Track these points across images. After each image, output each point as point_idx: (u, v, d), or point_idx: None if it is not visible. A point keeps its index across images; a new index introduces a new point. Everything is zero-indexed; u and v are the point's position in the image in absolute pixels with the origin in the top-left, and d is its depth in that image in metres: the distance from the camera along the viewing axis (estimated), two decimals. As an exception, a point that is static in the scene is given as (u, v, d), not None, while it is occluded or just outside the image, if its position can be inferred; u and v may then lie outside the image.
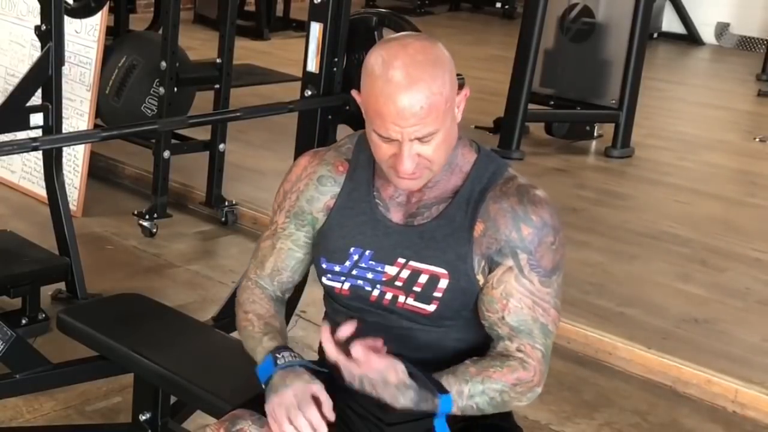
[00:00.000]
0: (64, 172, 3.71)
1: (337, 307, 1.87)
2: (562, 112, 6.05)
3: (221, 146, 4.48)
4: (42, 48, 3.40)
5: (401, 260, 1.77)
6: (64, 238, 3.56)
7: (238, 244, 4.35)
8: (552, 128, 6.06)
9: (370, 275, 1.79)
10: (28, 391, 2.81)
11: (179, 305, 3.28)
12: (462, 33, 9.61)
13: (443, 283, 1.74)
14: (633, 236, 4.57)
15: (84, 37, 4.45)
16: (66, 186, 3.65)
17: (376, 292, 1.79)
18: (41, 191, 4.11)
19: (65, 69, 3.68)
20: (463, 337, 1.82)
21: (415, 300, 1.76)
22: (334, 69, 3.07)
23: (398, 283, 1.77)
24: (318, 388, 1.71)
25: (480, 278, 1.75)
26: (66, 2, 3.66)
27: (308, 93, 3.08)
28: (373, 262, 1.79)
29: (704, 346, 3.51)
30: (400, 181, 1.73)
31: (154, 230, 4.32)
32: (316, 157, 1.90)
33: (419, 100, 1.64)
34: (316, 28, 3.04)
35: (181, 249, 4.26)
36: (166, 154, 4.31)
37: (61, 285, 3.57)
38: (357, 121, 3.14)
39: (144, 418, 2.46)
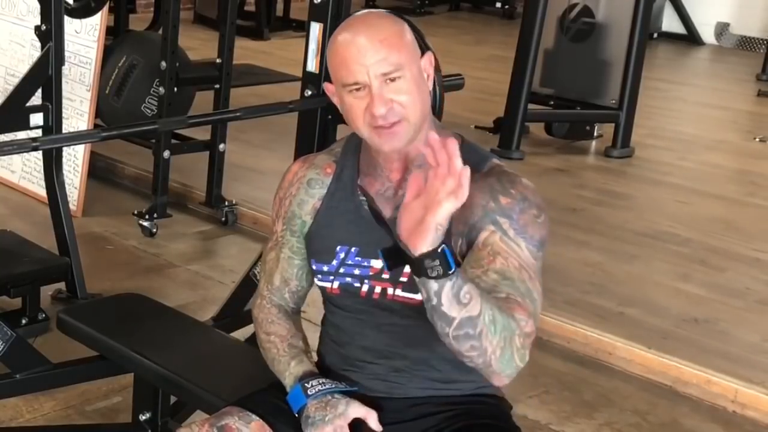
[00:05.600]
0: (64, 172, 3.71)
1: (332, 309, 1.89)
2: (562, 112, 6.05)
3: (221, 146, 4.48)
4: (42, 48, 3.40)
5: None
6: (64, 238, 3.56)
7: (238, 244, 4.35)
8: (552, 128, 6.06)
9: (357, 271, 1.81)
10: (28, 391, 2.81)
11: (179, 305, 3.28)
12: (462, 33, 9.62)
13: None
14: (633, 236, 4.57)
15: (84, 37, 4.45)
16: (66, 186, 3.65)
17: (365, 288, 1.81)
18: (41, 191, 4.11)
19: (65, 69, 3.68)
20: None
21: (402, 290, 1.77)
22: (334, 69, 3.06)
23: (385, 276, 1.78)
24: (355, 410, 1.74)
25: (461, 259, 1.69)
26: (66, 2, 3.66)
27: (308, 93, 3.08)
28: (359, 258, 1.80)
29: (704, 346, 3.51)
30: (381, 141, 1.72)
31: (154, 230, 4.32)
32: (306, 162, 1.93)
33: (377, 35, 1.70)
34: (316, 28, 3.03)
35: (181, 249, 4.26)
36: (166, 154, 4.31)
37: (61, 285, 3.57)
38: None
39: (144, 418, 2.46)
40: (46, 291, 3.50)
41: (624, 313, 3.73)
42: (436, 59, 1.85)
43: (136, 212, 4.35)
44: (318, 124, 3.09)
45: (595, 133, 6.14)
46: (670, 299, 3.90)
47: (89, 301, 3.47)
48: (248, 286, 3.01)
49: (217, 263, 4.14)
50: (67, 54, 3.58)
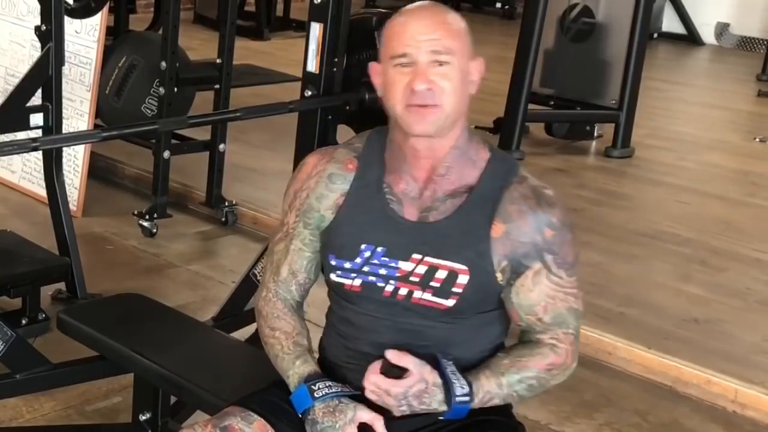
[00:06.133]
0: (64, 172, 3.71)
1: (344, 305, 1.87)
2: (562, 112, 6.05)
3: (221, 146, 4.48)
4: (42, 48, 3.40)
5: (417, 256, 1.78)
6: (64, 238, 3.56)
7: (238, 244, 4.35)
8: (552, 128, 6.06)
9: (383, 271, 1.80)
10: (28, 391, 2.80)
11: (179, 305, 3.28)
12: (462, 33, 9.61)
13: (463, 279, 1.76)
14: (633, 236, 4.57)
15: (84, 37, 4.45)
16: (66, 186, 3.65)
17: (389, 288, 1.80)
18: (41, 191, 4.11)
19: (65, 69, 3.68)
20: (470, 336, 1.83)
21: (433, 295, 1.78)
22: (334, 69, 3.06)
23: (414, 279, 1.78)
24: (362, 415, 1.75)
25: (499, 276, 1.78)
26: (66, 2, 3.66)
27: (308, 93, 3.08)
28: (386, 258, 1.79)
29: (704, 346, 3.51)
30: (413, 123, 1.73)
31: (154, 230, 4.32)
32: (325, 155, 1.90)
33: (435, 18, 1.74)
34: (316, 28, 3.03)
35: (181, 249, 4.26)
36: (166, 154, 4.31)
37: (61, 285, 3.57)
38: (357, 121, 3.15)
39: (144, 418, 2.46)
40: (46, 291, 3.50)
41: (624, 313, 3.73)
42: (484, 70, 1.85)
43: (136, 212, 4.35)
44: (318, 124, 3.09)
45: (595, 133, 6.14)
46: (670, 299, 3.90)
47: (89, 301, 3.47)
48: (248, 286, 3.01)
49: (217, 263, 4.14)
50: (67, 54, 3.58)
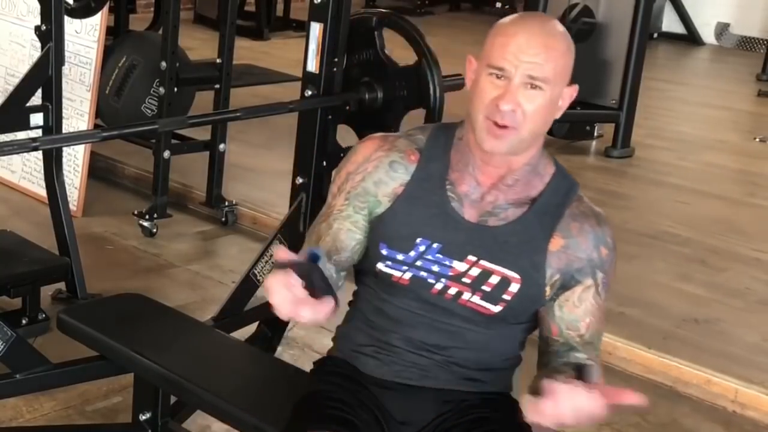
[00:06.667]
0: (64, 172, 3.70)
1: (384, 296, 1.85)
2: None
3: (221, 146, 4.48)
4: (42, 48, 3.40)
5: (472, 258, 1.78)
6: (64, 238, 3.56)
7: (238, 244, 4.35)
8: (552, 128, 6.03)
9: (435, 268, 1.79)
10: (28, 391, 2.80)
11: (179, 305, 3.28)
12: (462, 33, 9.60)
13: (514, 287, 1.77)
14: (633, 236, 4.57)
15: (84, 37, 4.45)
16: (66, 186, 3.65)
17: (439, 286, 1.79)
18: (41, 191, 4.10)
19: (65, 69, 3.68)
20: (499, 344, 1.85)
21: (481, 299, 1.78)
22: (334, 69, 3.06)
23: (466, 280, 1.78)
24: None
25: (548, 290, 1.79)
26: (66, 2, 3.66)
27: (308, 93, 3.08)
28: (441, 256, 1.78)
29: (704, 346, 3.51)
30: (487, 137, 1.71)
31: (154, 230, 4.31)
32: (386, 142, 1.87)
33: (547, 39, 1.70)
34: (316, 28, 3.03)
35: (181, 249, 4.26)
36: (166, 154, 4.31)
37: (61, 285, 3.57)
38: (357, 121, 3.15)
39: (144, 418, 2.47)
40: (46, 291, 3.50)
41: (624, 313, 3.73)
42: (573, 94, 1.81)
43: (136, 212, 4.35)
44: (318, 124, 3.09)
45: (595, 133, 6.14)
46: (670, 299, 3.90)
47: (89, 301, 3.46)
48: (248, 286, 3.02)
49: (217, 263, 4.14)
50: (67, 54, 3.58)
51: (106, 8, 4.23)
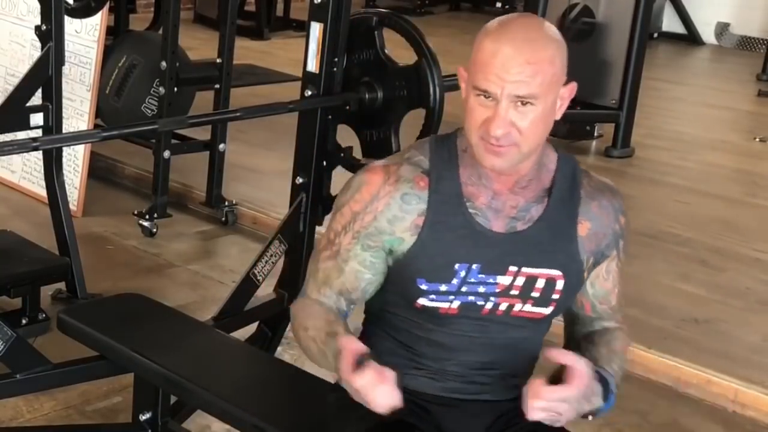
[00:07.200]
0: (64, 172, 3.71)
1: (431, 327, 1.78)
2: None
3: (221, 146, 4.48)
4: (42, 48, 3.40)
5: (513, 268, 1.74)
6: (64, 238, 3.56)
7: (238, 244, 4.35)
8: (552, 128, 6.05)
9: (482, 289, 1.74)
10: (28, 391, 2.80)
11: (179, 305, 3.28)
12: (462, 33, 9.61)
13: (560, 285, 1.76)
14: (633, 236, 4.49)
15: (84, 37, 4.45)
16: (66, 186, 3.65)
17: (489, 305, 1.75)
18: (41, 191, 4.11)
19: (65, 69, 3.67)
20: (540, 343, 1.87)
21: (533, 305, 1.77)
22: (334, 69, 3.06)
23: (514, 292, 1.75)
24: (345, 343, 1.62)
25: (586, 274, 1.81)
26: (66, 2, 3.66)
27: (308, 93, 3.08)
28: (483, 276, 1.73)
29: (704, 346, 3.51)
30: (486, 155, 1.66)
31: (154, 230, 4.32)
32: (390, 173, 1.76)
33: (527, 54, 1.60)
34: (316, 28, 3.03)
35: (181, 249, 4.26)
36: (166, 154, 4.31)
37: (61, 285, 3.57)
38: (357, 120, 3.15)
39: (144, 418, 2.47)
40: (46, 291, 3.50)
41: (624, 313, 3.72)
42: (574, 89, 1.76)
43: (136, 212, 4.35)
44: (318, 124, 3.09)
45: (595, 133, 6.14)
46: (670, 299, 3.90)
47: (89, 301, 3.46)
48: (248, 286, 3.01)
49: (217, 263, 4.14)
50: (67, 54, 3.58)
51: (106, 8, 4.23)
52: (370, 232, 1.76)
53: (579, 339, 1.88)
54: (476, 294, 1.74)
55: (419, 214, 1.73)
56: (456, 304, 1.74)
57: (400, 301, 1.79)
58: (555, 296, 1.76)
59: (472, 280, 1.73)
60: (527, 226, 1.75)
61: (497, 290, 1.74)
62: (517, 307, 1.76)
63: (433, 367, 1.80)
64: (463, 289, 1.73)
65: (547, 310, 1.78)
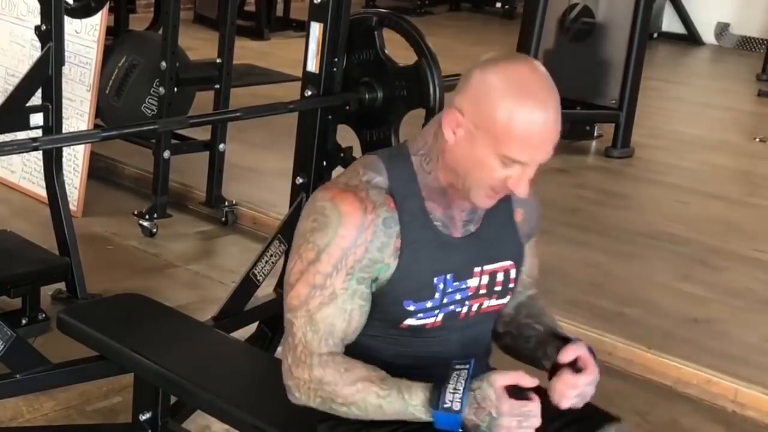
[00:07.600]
0: (64, 172, 3.71)
1: (413, 341, 1.81)
2: (562, 112, 6.02)
3: (221, 146, 4.48)
4: (42, 48, 3.40)
5: (477, 269, 1.82)
6: (64, 238, 3.56)
7: (238, 244, 4.35)
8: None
9: (458, 296, 1.81)
10: (28, 391, 2.80)
11: (179, 305, 3.28)
12: (462, 33, 9.61)
13: (513, 273, 1.87)
14: (633, 236, 4.57)
15: (84, 37, 4.45)
16: (66, 186, 3.65)
17: (464, 309, 1.83)
18: (41, 191, 4.11)
19: (65, 69, 3.68)
20: (493, 321, 1.97)
21: (497, 299, 1.86)
22: (334, 69, 3.06)
23: (482, 291, 1.83)
24: (499, 380, 1.67)
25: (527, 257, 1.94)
26: (66, 2, 3.66)
27: (308, 93, 3.08)
28: (457, 283, 1.80)
29: (704, 346, 3.51)
30: (486, 200, 1.74)
31: (154, 230, 4.32)
32: (363, 200, 1.73)
33: (558, 125, 1.68)
34: (316, 28, 3.03)
35: (181, 249, 4.26)
36: (166, 154, 4.31)
37: (61, 285, 3.57)
38: (357, 120, 3.15)
39: (144, 418, 2.47)
40: (46, 291, 3.50)
41: (624, 313, 3.73)
42: None
43: (136, 212, 4.35)
44: (318, 124, 3.09)
45: (595, 133, 6.14)
46: (670, 299, 3.90)
47: (89, 301, 3.46)
48: (248, 285, 3.02)
49: (217, 263, 4.14)
50: (67, 54, 3.58)
51: (106, 8, 4.23)
52: (365, 265, 1.73)
53: (511, 309, 1.97)
54: (455, 302, 1.81)
55: (397, 236, 1.74)
56: (440, 317, 1.81)
57: (381, 325, 1.80)
58: (511, 285, 1.87)
59: (450, 289, 1.79)
60: (477, 226, 1.82)
61: (470, 293, 1.83)
62: (486, 303, 1.85)
63: (417, 374, 1.78)
64: (444, 300, 1.79)
65: (507, 299, 1.90)
